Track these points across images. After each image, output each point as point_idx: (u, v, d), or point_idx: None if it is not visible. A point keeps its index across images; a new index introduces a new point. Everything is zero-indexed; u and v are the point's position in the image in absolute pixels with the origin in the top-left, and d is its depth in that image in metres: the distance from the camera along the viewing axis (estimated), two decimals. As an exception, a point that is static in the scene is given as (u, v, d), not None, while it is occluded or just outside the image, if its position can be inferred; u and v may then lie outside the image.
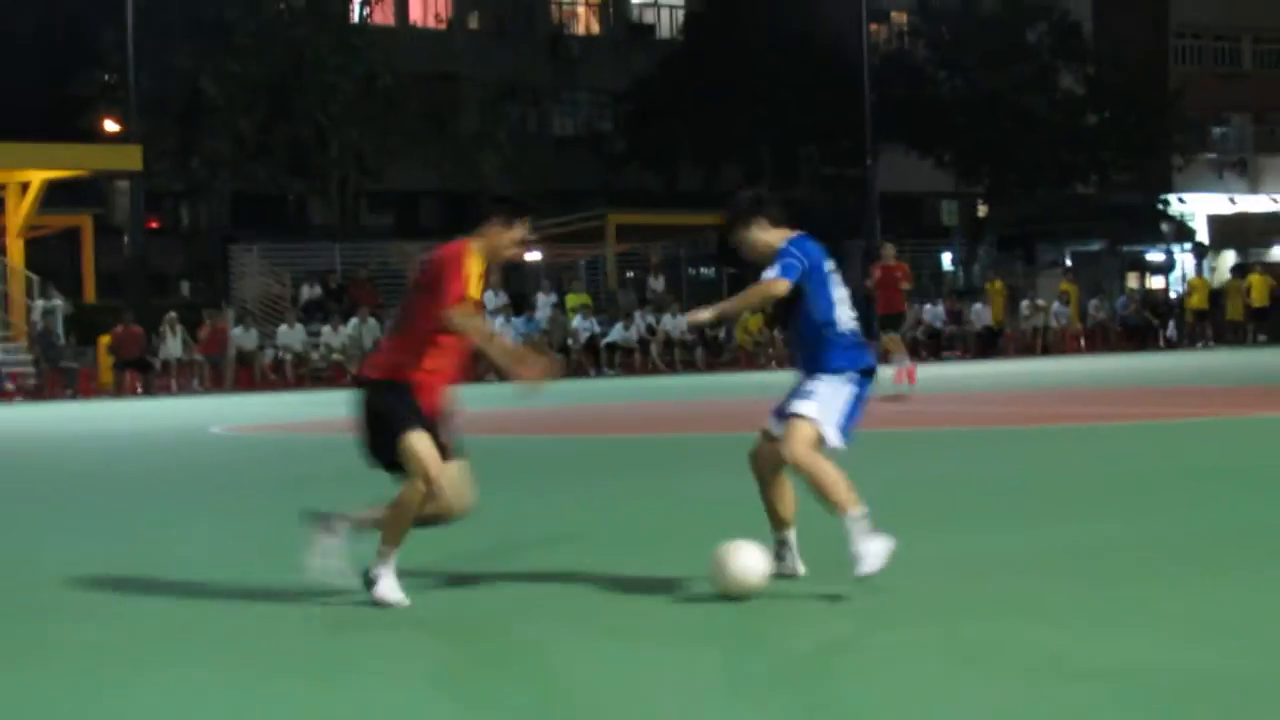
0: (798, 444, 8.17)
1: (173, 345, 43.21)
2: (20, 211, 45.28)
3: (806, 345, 8.46)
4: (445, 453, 8.26)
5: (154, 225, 55.81)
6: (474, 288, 8.21)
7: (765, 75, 61.88)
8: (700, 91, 62.42)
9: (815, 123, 63.38)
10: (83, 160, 47.36)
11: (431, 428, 8.25)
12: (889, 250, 29.54)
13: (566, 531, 11.27)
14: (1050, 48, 67.18)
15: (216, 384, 42.78)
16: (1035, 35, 66.90)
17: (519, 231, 8.49)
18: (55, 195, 46.63)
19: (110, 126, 54.25)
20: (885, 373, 30.40)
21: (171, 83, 52.53)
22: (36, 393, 41.59)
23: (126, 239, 50.74)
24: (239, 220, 59.19)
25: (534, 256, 58.67)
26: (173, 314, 43.55)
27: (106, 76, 54.37)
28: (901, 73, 65.77)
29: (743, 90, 61.82)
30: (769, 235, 8.56)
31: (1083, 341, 54.61)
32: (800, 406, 8.27)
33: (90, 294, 48.89)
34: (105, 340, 43.09)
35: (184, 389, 42.38)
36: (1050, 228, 70.35)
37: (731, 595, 7.76)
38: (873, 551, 7.96)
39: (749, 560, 7.86)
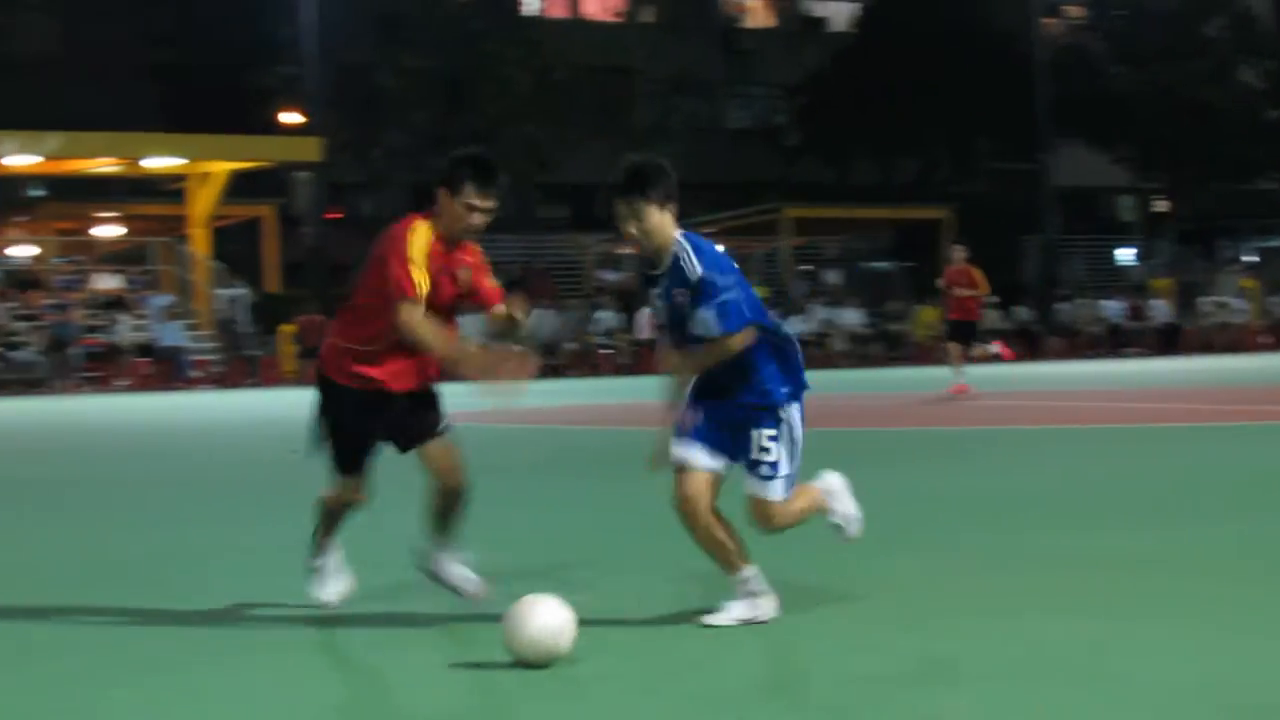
0: (772, 518, 7.29)
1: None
2: (205, 202, 46.13)
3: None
4: (419, 438, 7.57)
5: (335, 216, 56.51)
6: (420, 274, 7.34)
7: (939, 68, 61.54)
8: (874, 85, 62.19)
9: (989, 116, 62.96)
10: (265, 152, 48.19)
11: (368, 433, 7.61)
12: (958, 253, 27.68)
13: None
14: (1229, 41, 66.20)
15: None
16: (1213, 29, 65.95)
17: (469, 196, 7.43)
18: (238, 186, 47.46)
19: (291, 119, 55.06)
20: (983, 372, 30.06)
21: (350, 76, 53.22)
22: (221, 380, 42.34)
23: (308, 229, 51.46)
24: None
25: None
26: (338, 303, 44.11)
27: (286, 70, 55.17)
28: (1077, 67, 65.14)
29: (916, 83, 61.51)
30: (669, 228, 7.15)
31: (1266, 338, 53.82)
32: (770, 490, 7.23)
33: (273, 283, 49.66)
34: (288, 329, 43.75)
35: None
36: (1231, 224, 69.35)
37: (528, 661, 6.34)
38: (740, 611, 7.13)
39: (539, 621, 6.38)
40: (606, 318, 46.90)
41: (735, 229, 56.70)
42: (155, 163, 46.20)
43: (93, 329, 43.45)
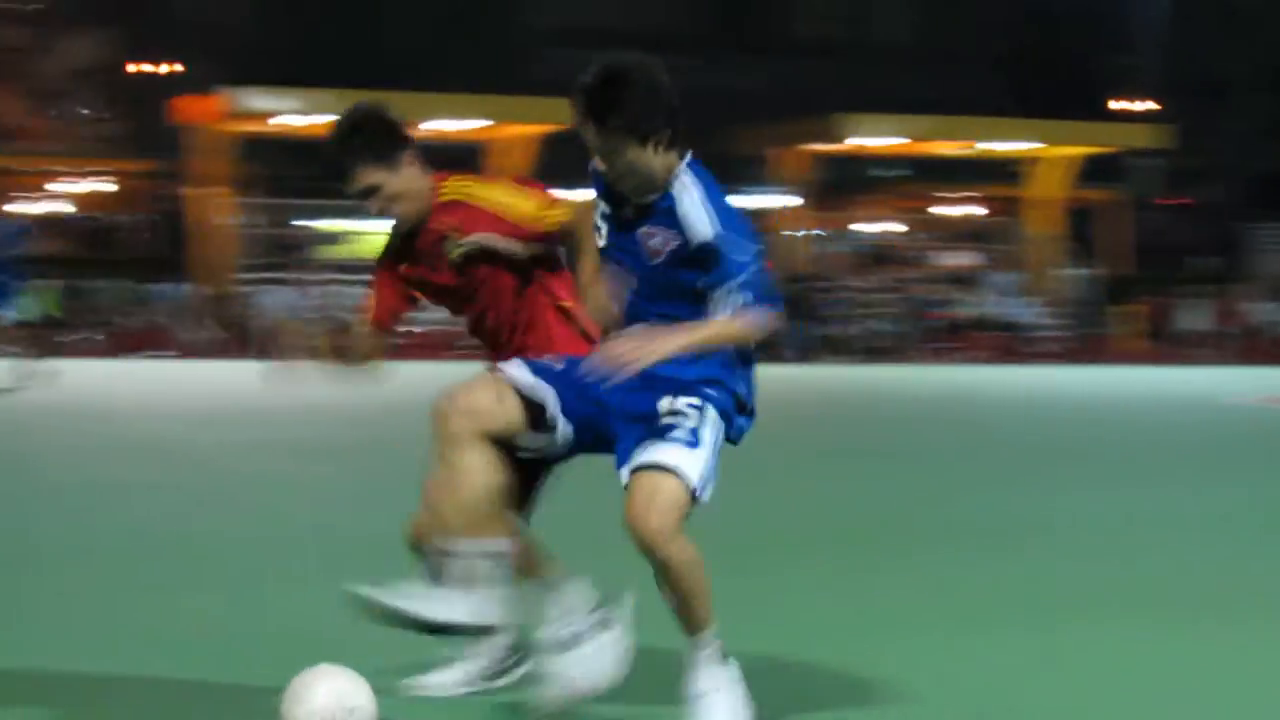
0: (664, 514, 4.79)
1: (1192, 318, 44.43)
2: (1049, 184, 47.61)
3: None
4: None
5: (1175, 201, 56.93)
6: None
7: None
8: None
9: None
10: (1110, 138, 49.39)
11: None
12: None
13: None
14: None
15: (1238, 356, 43.17)
16: None
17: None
18: (1083, 169, 48.71)
19: (1134, 106, 55.71)
20: None
21: (1193, 63, 53.43)
22: (1061, 356, 43.32)
23: (1150, 214, 52.01)
24: (1260, 200, 59.28)
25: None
26: (1192, 287, 44.66)
27: (1129, 58, 55.82)
28: None
29: None
30: (661, 163, 4.91)
31: None
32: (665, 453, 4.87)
33: (1122, 265, 50.45)
34: (1136, 309, 44.76)
35: (1202, 359, 43.02)
36: None
37: None
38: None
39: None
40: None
41: None
42: (1000, 146, 48.05)
43: (940, 303, 45.39)
